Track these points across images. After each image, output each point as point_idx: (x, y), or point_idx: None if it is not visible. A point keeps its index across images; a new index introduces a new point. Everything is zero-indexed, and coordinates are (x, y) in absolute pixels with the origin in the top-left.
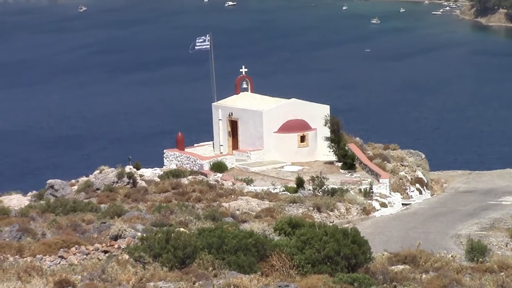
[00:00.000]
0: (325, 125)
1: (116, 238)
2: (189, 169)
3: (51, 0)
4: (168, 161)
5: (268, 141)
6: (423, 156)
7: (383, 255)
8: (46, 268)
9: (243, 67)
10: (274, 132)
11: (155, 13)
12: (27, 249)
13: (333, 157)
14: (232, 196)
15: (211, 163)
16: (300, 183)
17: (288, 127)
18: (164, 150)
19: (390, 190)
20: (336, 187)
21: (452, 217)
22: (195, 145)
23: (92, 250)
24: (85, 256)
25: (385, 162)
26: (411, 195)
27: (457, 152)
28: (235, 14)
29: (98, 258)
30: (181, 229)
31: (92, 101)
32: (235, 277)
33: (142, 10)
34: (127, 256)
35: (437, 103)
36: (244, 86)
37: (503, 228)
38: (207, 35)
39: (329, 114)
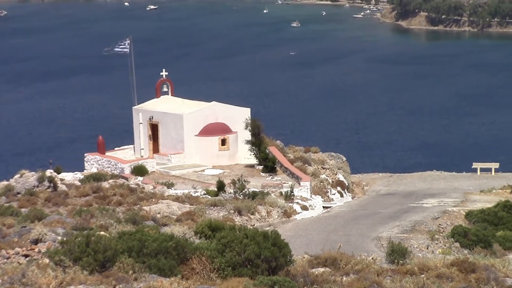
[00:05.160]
0: (246, 128)
1: (36, 242)
2: (110, 173)
3: None
4: (89, 165)
5: (189, 145)
6: (344, 159)
7: (304, 257)
8: None
9: (164, 70)
10: (194, 136)
11: (71, 19)
12: None
13: (254, 160)
14: (153, 200)
15: (132, 167)
16: (221, 186)
17: (208, 130)
18: (85, 154)
19: (311, 193)
20: (257, 190)
21: (373, 220)
22: (116, 148)
23: (13, 254)
24: (5, 260)
25: (306, 165)
26: (332, 198)
27: (377, 155)
28: (154, 20)
29: (18, 262)
30: (102, 232)
31: (3, 109)
32: (156, 281)
33: (62, 15)
34: (47, 260)
35: (357, 107)
36: (165, 89)
37: (424, 231)
38: (127, 39)
39: (249, 117)
